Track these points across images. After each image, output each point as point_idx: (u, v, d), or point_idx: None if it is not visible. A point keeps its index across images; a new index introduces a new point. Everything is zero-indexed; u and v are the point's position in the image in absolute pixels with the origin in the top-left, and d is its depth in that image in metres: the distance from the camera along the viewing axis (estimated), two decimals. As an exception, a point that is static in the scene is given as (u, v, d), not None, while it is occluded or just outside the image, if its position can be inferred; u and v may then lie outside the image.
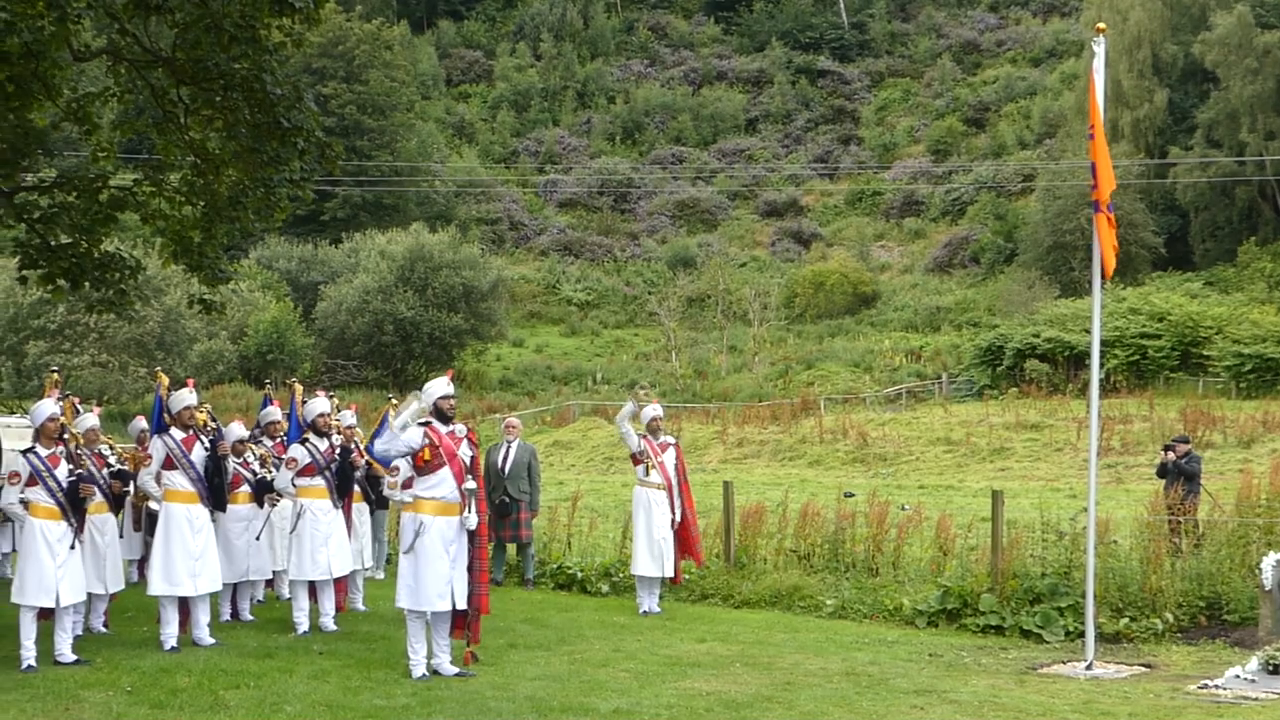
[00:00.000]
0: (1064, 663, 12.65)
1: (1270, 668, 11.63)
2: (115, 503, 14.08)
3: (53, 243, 16.40)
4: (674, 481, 15.93)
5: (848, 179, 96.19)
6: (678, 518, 15.86)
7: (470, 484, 11.60)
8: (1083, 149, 59.41)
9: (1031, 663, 12.68)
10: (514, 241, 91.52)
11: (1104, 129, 12.72)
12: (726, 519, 17.69)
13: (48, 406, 12.64)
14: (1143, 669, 12.38)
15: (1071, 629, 13.80)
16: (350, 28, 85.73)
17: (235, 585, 14.87)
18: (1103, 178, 12.48)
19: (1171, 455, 18.94)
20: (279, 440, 15.64)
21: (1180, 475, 18.49)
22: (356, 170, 76.04)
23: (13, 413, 28.38)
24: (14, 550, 15.35)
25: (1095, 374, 13.15)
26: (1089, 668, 12.24)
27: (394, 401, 16.97)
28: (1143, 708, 10.59)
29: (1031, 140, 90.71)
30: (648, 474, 15.88)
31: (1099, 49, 12.76)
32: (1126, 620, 13.91)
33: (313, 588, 14.32)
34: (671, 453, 16.06)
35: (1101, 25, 13.06)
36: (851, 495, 23.78)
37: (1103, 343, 13.08)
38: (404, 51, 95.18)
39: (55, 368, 17.09)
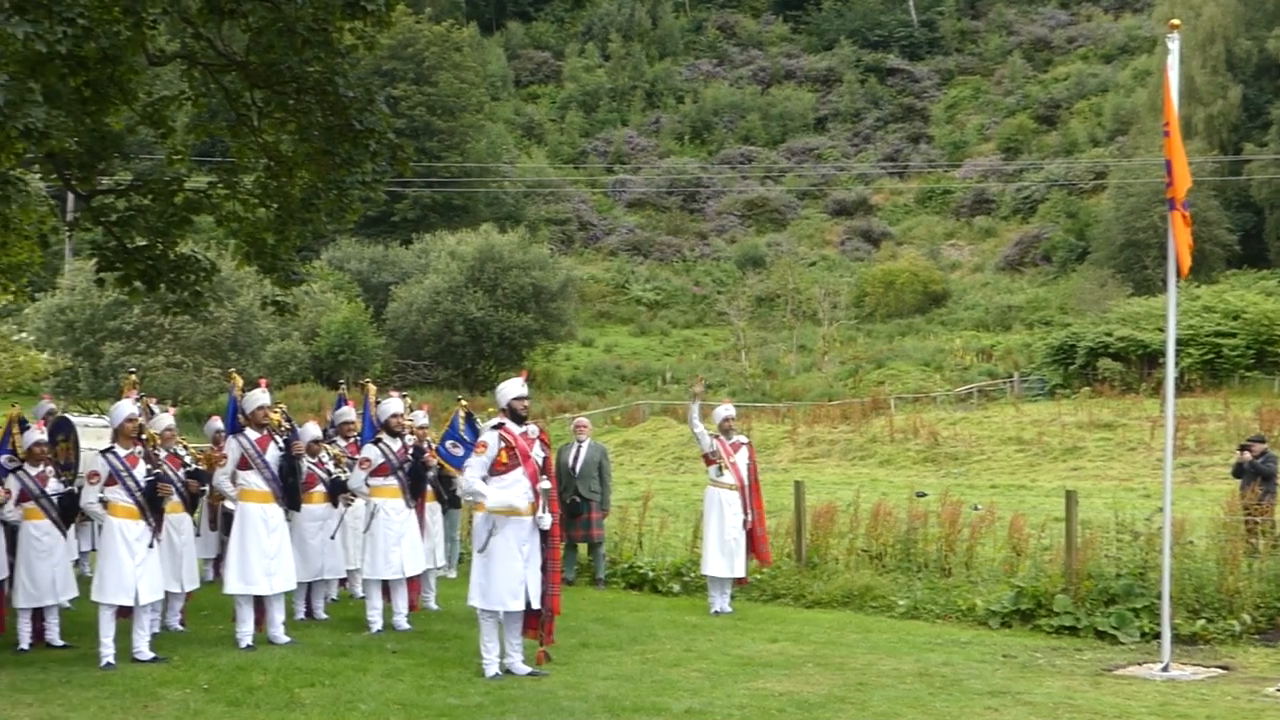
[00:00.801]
0: (1139, 664, 12.53)
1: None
2: (191, 502, 14.25)
3: (129, 245, 16.56)
4: (746, 481, 15.90)
5: (917, 177, 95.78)
6: (750, 518, 15.84)
7: (545, 484, 11.65)
8: (1156, 145, 58.91)
9: (1106, 664, 12.57)
10: (583, 241, 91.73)
11: (1178, 126, 12.60)
12: (798, 519, 17.64)
13: (126, 407, 12.79)
14: (1220, 671, 12.25)
15: (1147, 630, 13.66)
16: (420, 29, 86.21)
17: (309, 584, 14.99)
18: (1178, 175, 12.37)
19: (1247, 455, 18.76)
20: (353, 440, 15.76)
21: (1256, 475, 18.29)
22: (426, 171, 76.38)
23: (89, 412, 28.68)
24: (93, 549, 15.53)
25: (1170, 372, 13.01)
26: (1165, 669, 12.12)
27: (464, 403, 17.03)
28: (1220, 710, 10.49)
29: (1103, 137, 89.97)
30: (720, 474, 15.86)
31: (1173, 45, 12.62)
32: (1203, 622, 13.77)
33: (386, 587, 14.42)
34: (744, 452, 16.01)
35: (1176, 21, 12.94)
36: (924, 495, 23.66)
37: (1177, 341, 12.93)
38: (473, 53, 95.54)
39: (133, 369, 17.27)
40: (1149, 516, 15.75)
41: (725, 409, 16.36)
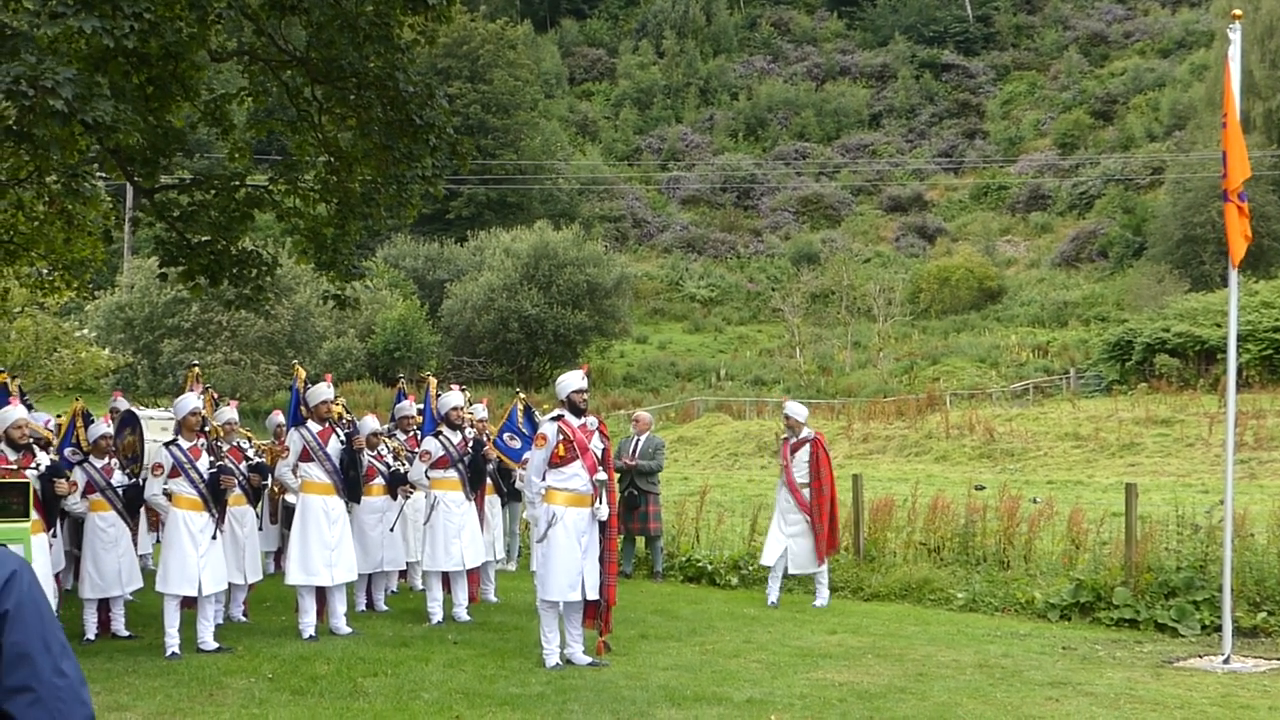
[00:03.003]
0: (1200, 656, 12.47)
1: None
2: (253, 495, 14.39)
3: (192, 240, 16.71)
4: (797, 481, 15.75)
5: (973, 173, 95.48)
6: (807, 518, 15.72)
7: (602, 475, 11.71)
8: (1213, 140, 58.43)
9: (1167, 656, 12.52)
10: (637, 239, 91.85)
11: (1237, 117, 12.52)
12: (856, 512, 17.65)
13: (190, 400, 12.92)
14: (1282, 663, 12.20)
15: (1207, 623, 13.61)
16: (475, 27, 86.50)
17: (370, 576, 15.11)
18: (1234, 166, 12.28)
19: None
20: (412, 434, 15.87)
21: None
22: (481, 169, 76.63)
23: (146, 406, 28.79)
24: (158, 541, 15.70)
25: (1232, 365, 12.95)
26: (1226, 661, 12.06)
27: (521, 395, 17.10)
28: (1283, 701, 10.46)
29: (1160, 132, 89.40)
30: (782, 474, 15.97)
31: (1235, 36, 12.54)
32: (1264, 614, 13.69)
33: (446, 578, 14.51)
34: (804, 451, 15.82)
35: (1238, 12, 12.83)
36: (983, 488, 23.60)
37: (1236, 337, 12.87)
38: (527, 50, 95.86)
39: (194, 363, 17.42)
40: (1209, 510, 15.68)
41: (791, 408, 16.20)
